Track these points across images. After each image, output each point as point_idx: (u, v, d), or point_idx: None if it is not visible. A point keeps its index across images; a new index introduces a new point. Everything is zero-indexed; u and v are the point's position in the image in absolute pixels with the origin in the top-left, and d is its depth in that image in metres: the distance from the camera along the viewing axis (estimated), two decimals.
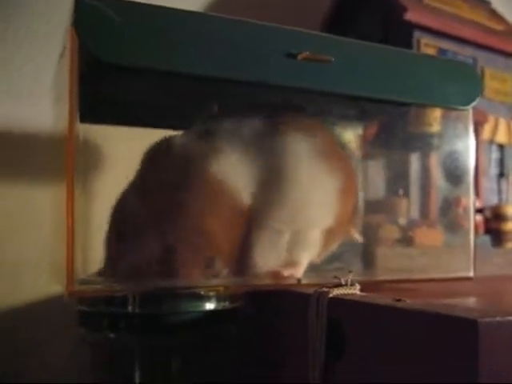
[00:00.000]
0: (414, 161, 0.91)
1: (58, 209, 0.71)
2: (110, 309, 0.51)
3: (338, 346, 0.47)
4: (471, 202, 0.74)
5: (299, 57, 0.53)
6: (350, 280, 0.50)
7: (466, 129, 0.72)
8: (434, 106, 0.67)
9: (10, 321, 0.85)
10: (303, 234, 0.59)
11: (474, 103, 0.65)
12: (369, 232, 0.85)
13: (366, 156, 0.88)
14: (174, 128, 0.67)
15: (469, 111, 0.68)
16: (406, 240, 0.85)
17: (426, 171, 0.91)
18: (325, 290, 0.48)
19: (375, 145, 0.89)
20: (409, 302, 0.42)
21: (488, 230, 0.99)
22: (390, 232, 0.85)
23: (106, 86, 0.56)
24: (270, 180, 0.58)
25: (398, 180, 0.90)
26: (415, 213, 0.90)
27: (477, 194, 1.01)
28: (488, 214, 1.00)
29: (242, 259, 0.56)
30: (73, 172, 0.51)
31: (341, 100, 0.63)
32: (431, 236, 0.86)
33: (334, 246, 0.66)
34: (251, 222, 0.56)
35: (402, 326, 0.40)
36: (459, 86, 0.64)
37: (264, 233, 0.57)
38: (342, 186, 0.62)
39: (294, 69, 0.54)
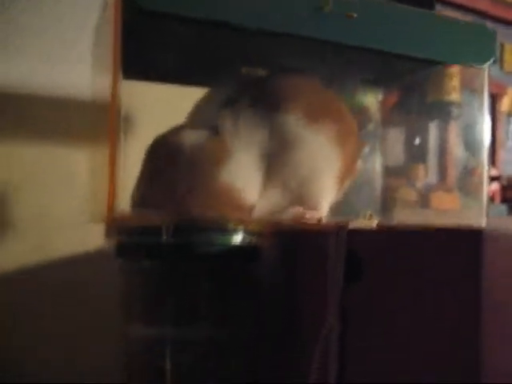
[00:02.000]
0: (433, 128, 0.94)
1: (94, 168, 0.76)
2: (145, 239, 0.55)
3: (355, 274, 0.51)
4: (485, 161, 0.77)
5: (325, 9, 0.57)
6: (368, 215, 0.54)
7: (481, 96, 0.75)
8: (451, 63, 0.70)
9: (45, 273, 0.90)
10: (317, 183, 0.64)
11: (489, 62, 0.68)
12: (387, 194, 0.88)
13: (386, 123, 0.92)
14: (205, 85, 0.72)
15: (484, 72, 0.71)
16: (423, 202, 0.88)
17: (444, 138, 0.94)
18: (344, 223, 0.52)
19: (395, 112, 0.92)
20: (421, 225, 0.46)
21: (504, 199, 1.02)
22: (408, 195, 0.89)
23: (147, 38, 0.60)
24: (278, 150, 0.64)
25: (416, 146, 0.93)
26: (433, 178, 0.94)
27: (494, 164, 1.04)
28: (504, 182, 1.02)
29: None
30: (115, 123, 0.55)
31: (362, 57, 0.67)
32: (448, 199, 0.89)
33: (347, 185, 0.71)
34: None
35: (415, 245, 0.44)
36: (475, 46, 0.67)
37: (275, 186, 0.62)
38: (340, 131, 0.66)
39: (319, 22, 0.58)
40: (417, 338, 0.44)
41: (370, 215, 0.54)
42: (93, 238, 0.88)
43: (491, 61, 0.68)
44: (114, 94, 0.57)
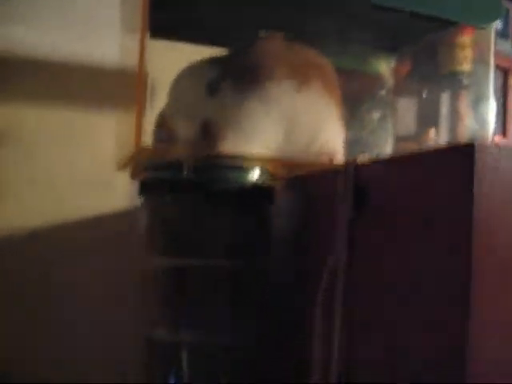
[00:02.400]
0: (445, 98, 0.97)
1: (120, 133, 0.80)
2: (167, 174, 0.60)
3: (362, 206, 0.54)
4: (490, 129, 0.81)
5: None
6: (376, 155, 0.58)
7: (488, 61, 0.79)
8: (458, 21, 0.74)
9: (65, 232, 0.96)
10: (326, 130, 0.70)
11: (494, 23, 0.72)
12: None
13: (398, 92, 0.95)
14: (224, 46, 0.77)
15: (491, 34, 0.75)
16: None
17: (455, 107, 0.97)
18: (352, 160, 0.56)
19: (407, 81, 0.95)
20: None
21: None
22: None
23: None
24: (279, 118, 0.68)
25: (428, 115, 0.97)
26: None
27: (505, 135, 1.07)
28: None
29: None
30: (142, 78, 0.61)
31: (376, 19, 0.71)
32: None
33: None
34: None
35: (415, 169, 0.48)
36: (481, 8, 0.71)
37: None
38: (327, 83, 0.71)
39: None
40: (421, 266, 0.47)
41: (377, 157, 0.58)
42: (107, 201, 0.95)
43: (496, 23, 0.72)
44: (142, 47, 0.62)
